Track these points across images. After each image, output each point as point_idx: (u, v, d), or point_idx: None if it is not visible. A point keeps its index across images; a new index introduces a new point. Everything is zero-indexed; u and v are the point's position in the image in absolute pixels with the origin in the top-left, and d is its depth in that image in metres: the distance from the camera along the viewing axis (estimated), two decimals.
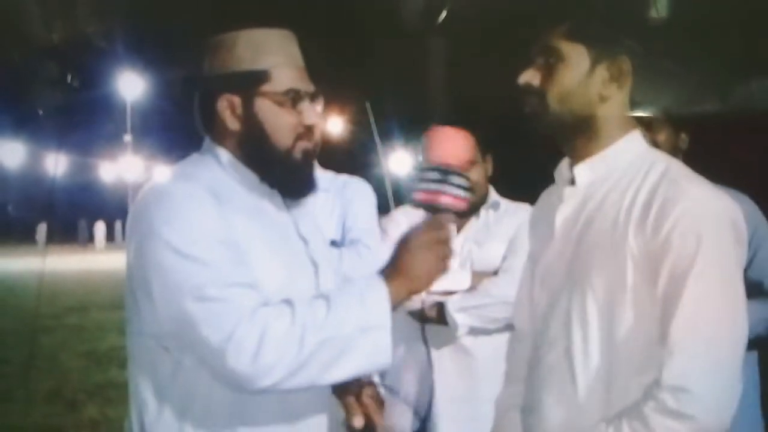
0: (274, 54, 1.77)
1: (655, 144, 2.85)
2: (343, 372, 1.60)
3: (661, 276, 1.61)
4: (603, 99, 1.77)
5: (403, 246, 1.68)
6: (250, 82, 1.75)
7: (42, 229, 43.49)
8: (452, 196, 1.67)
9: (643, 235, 1.63)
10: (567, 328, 1.74)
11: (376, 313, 1.61)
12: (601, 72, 1.76)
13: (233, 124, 1.77)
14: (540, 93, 1.77)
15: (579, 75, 1.76)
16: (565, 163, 1.86)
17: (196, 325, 1.56)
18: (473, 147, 2.95)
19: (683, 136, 2.89)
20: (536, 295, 1.91)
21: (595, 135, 1.78)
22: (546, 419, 1.78)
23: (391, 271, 1.67)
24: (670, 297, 1.60)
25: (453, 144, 1.73)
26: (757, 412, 2.87)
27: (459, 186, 1.67)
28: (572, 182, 1.82)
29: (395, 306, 1.66)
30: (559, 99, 1.76)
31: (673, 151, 2.88)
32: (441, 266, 1.70)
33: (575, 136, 1.79)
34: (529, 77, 1.78)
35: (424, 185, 1.67)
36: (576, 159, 1.81)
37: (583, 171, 1.79)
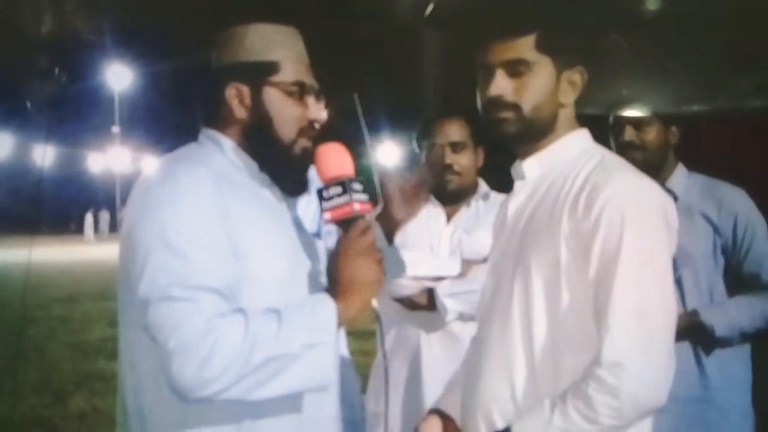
0: (283, 47, 1.82)
1: (645, 138, 2.86)
2: (278, 388, 1.60)
3: (592, 257, 1.68)
4: (562, 105, 1.85)
5: (339, 260, 1.71)
6: (260, 72, 1.79)
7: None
8: (360, 202, 1.72)
9: (575, 217, 1.71)
10: (509, 309, 1.80)
11: (322, 330, 1.63)
12: (563, 81, 1.84)
13: (240, 112, 1.80)
14: (513, 105, 1.81)
15: (549, 85, 1.82)
16: (518, 160, 1.92)
17: (155, 322, 1.56)
18: (466, 130, 2.98)
19: (674, 129, 2.89)
20: (485, 282, 1.99)
21: (545, 135, 1.85)
22: (483, 398, 1.83)
23: (337, 287, 1.70)
24: (601, 277, 1.67)
25: (338, 156, 1.78)
26: (747, 405, 2.86)
27: (359, 191, 1.73)
28: (523, 177, 1.90)
29: (345, 322, 1.69)
30: (532, 109, 1.81)
31: (665, 145, 2.88)
32: (380, 271, 1.73)
33: (531, 138, 1.85)
34: (501, 90, 1.81)
35: (332, 203, 1.72)
36: (525, 155, 1.89)
37: (531, 165, 1.88)
